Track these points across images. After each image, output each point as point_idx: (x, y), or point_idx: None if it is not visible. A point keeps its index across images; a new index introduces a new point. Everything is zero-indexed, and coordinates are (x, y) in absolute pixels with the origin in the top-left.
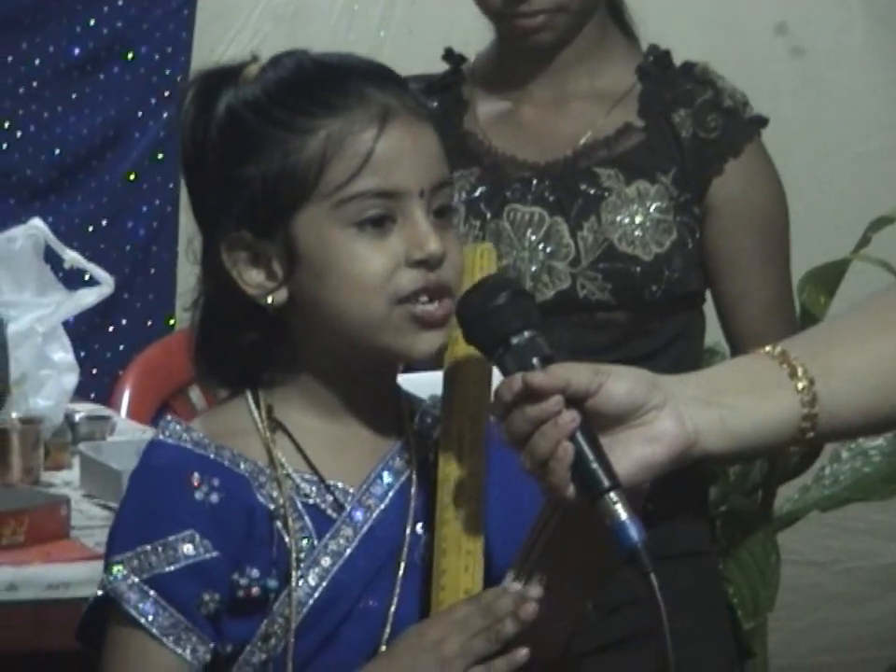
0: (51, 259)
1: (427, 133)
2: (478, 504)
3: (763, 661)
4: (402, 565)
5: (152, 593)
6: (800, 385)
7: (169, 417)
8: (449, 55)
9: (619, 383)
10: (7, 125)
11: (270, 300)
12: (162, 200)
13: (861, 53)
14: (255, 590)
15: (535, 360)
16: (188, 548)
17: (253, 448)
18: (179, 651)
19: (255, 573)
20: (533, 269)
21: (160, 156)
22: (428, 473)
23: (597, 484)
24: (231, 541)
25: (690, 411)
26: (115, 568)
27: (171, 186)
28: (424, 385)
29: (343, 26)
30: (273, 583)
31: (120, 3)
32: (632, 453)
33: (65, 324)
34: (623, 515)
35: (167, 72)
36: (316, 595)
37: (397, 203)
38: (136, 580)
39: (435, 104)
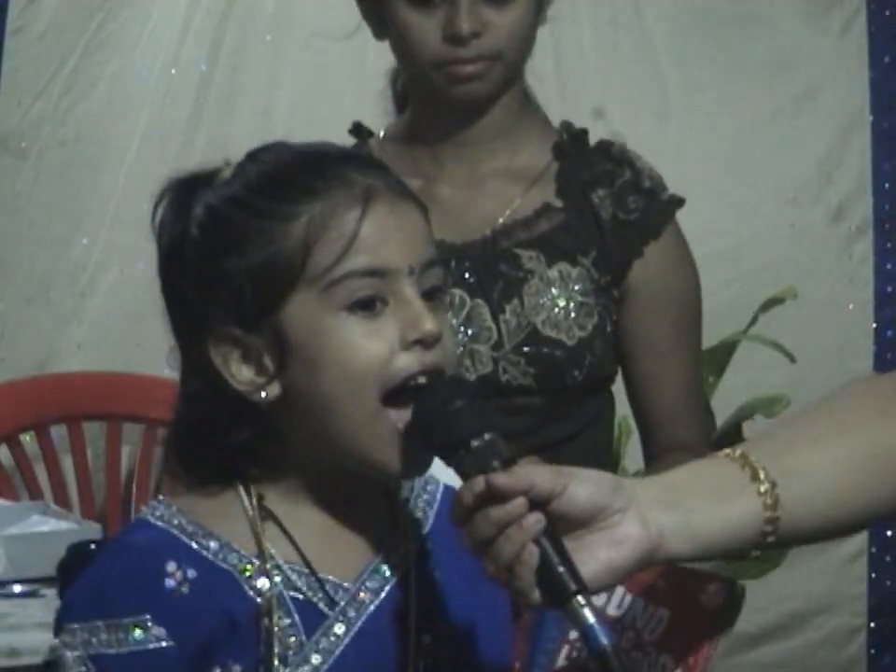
0: None
1: (411, 211)
2: None
3: None
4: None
5: (93, 669)
6: (762, 489)
7: (161, 497)
8: (358, 130)
9: (582, 485)
10: None
11: (263, 395)
12: None
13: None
14: None
15: (495, 463)
16: (137, 633)
17: (242, 538)
18: None
19: (237, 669)
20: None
21: None
22: (429, 564)
23: (564, 588)
24: (194, 634)
25: (653, 514)
26: (65, 636)
27: None
28: None
29: (161, 89)
30: None
31: None
32: (596, 556)
33: None
34: (591, 619)
35: None
36: None
37: (387, 283)
38: (82, 653)
39: None
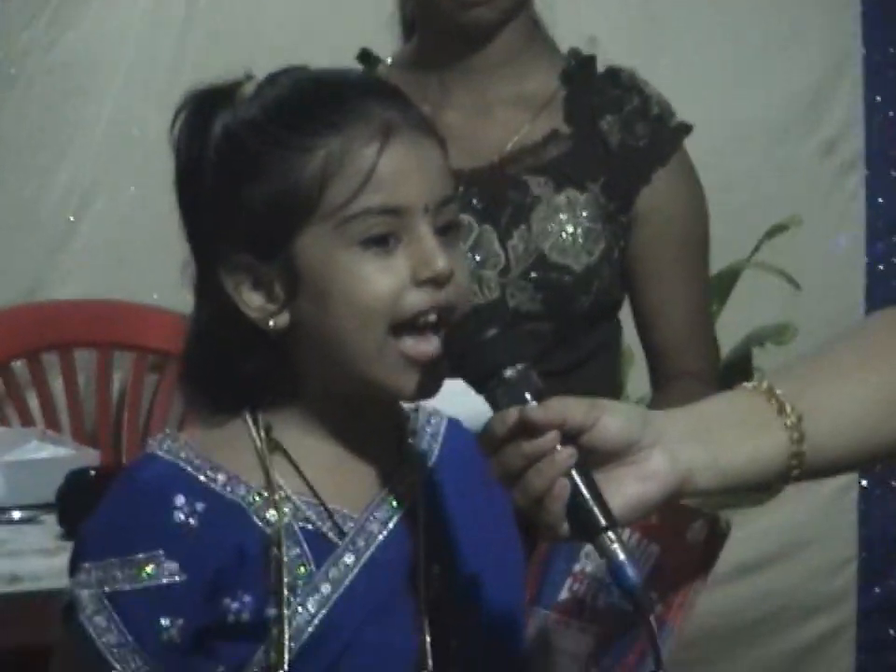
0: None
1: (431, 147)
2: None
3: None
4: (418, 600)
5: (109, 606)
6: (788, 422)
7: (168, 431)
8: (365, 57)
9: (614, 419)
10: None
11: (272, 323)
12: None
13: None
14: (246, 616)
15: (528, 394)
16: (150, 568)
17: (251, 469)
18: (119, 668)
19: (248, 599)
20: None
21: None
22: (436, 495)
23: (594, 524)
24: (206, 568)
25: (681, 448)
26: (81, 575)
27: None
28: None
29: (147, 18)
30: (271, 611)
31: None
32: (625, 491)
33: None
34: (622, 556)
35: None
36: (316, 622)
37: (401, 220)
38: (97, 590)
39: None
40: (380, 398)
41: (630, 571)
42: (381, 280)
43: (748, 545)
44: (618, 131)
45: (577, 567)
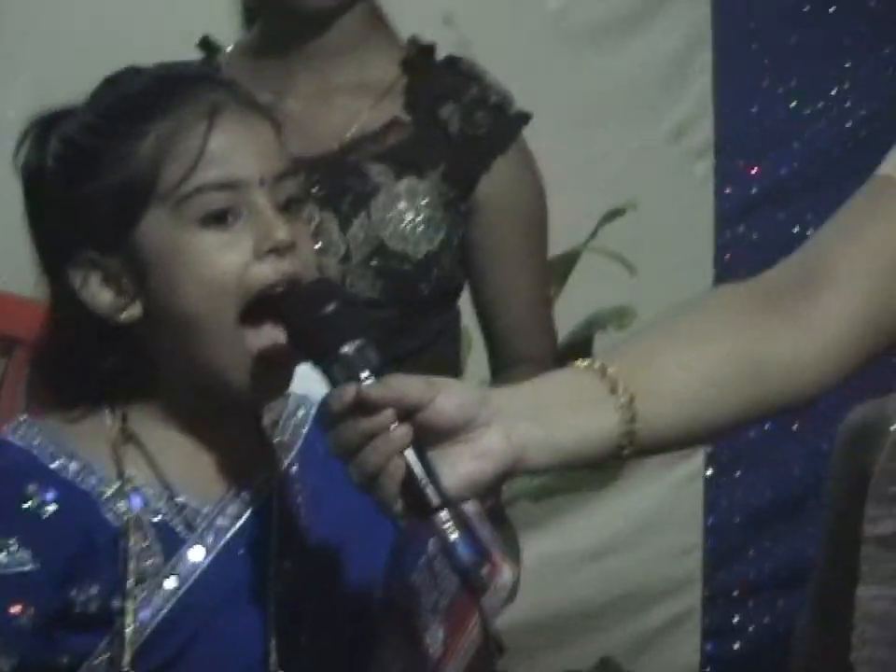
0: None
1: (261, 124)
2: None
3: None
4: (266, 597)
5: None
6: (620, 401)
7: (24, 417)
8: (205, 44)
9: (450, 397)
10: None
11: (123, 316)
12: None
13: None
14: (93, 606)
15: (365, 372)
16: (2, 556)
17: (104, 459)
18: None
19: (94, 590)
20: None
21: None
22: (291, 489)
23: (427, 502)
24: (57, 557)
25: (517, 426)
26: None
27: None
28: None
29: None
30: (116, 603)
31: None
32: (460, 469)
33: None
34: (455, 534)
35: None
36: (161, 616)
37: (239, 194)
38: None
39: None
40: (226, 392)
41: (462, 550)
42: (224, 257)
43: (595, 532)
44: (458, 119)
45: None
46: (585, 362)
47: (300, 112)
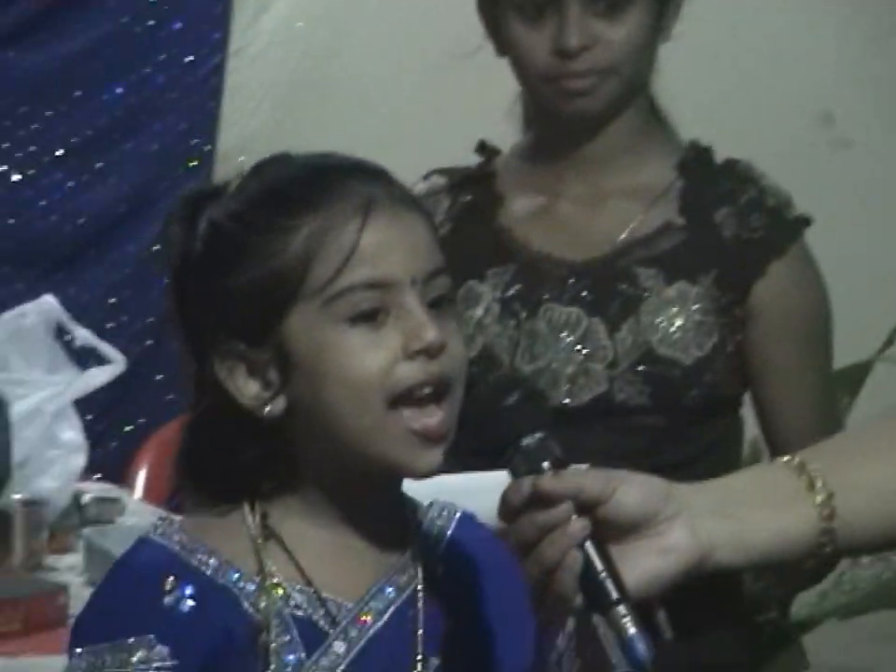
0: (64, 335)
1: (415, 221)
2: None
3: None
4: None
5: None
6: (818, 499)
7: (164, 515)
8: (482, 147)
9: (632, 490)
10: (30, 194)
11: (268, 409)
12: None
13: None
14: None
15: (545, 464)
16: (140, 654)
17: (244, 555)
18: None
19: None
20: (569, 371)
21: None
22: (437, 590)
23: (606, 597)
24: (196, 652)
25: (704, 522)
26: (73, 661)
27: None
28: (434, 488)
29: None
30: None
31: (148, 70)
32: (643, 564)
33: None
34: (632, 630)
35: (193, 141)
36: None
37: (389, 294)
38: None
39: (469, 197)
40: (384, 476)
41: (640, 647)
42: (371, 355)
43: None
44: (732, 223)
45: None
46: (784, 458)
47: (572, 215)
